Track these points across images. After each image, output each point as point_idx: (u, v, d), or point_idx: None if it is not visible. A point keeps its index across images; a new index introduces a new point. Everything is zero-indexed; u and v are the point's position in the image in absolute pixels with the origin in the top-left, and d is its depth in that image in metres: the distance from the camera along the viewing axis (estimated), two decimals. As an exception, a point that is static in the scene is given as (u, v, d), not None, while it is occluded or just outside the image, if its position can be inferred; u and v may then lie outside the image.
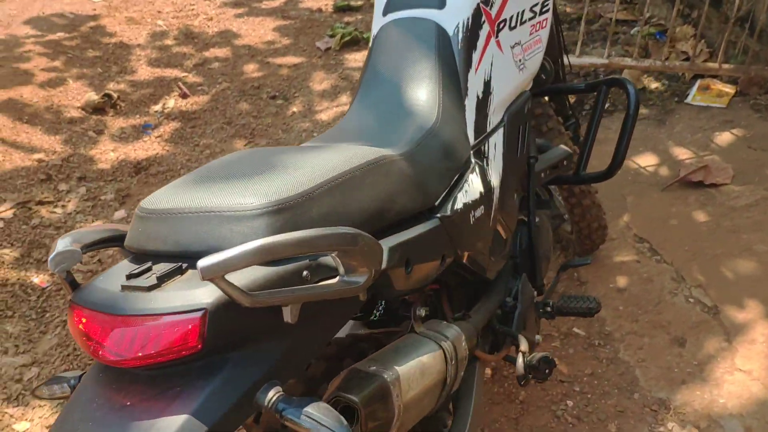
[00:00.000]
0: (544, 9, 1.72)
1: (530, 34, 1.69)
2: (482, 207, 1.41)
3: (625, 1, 4.59)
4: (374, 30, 1.60)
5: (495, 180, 1.50)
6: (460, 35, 1.51)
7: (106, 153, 3.66)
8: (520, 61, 1.65)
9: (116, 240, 0.99)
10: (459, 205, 1.31)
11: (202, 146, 3.71)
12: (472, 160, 1.45)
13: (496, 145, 1.54)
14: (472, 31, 1.52)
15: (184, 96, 4.20)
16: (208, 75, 4.46)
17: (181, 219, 0.89)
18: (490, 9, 1.57)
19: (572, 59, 3.33)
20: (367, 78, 1.51)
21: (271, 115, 3.94)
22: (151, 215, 0.91)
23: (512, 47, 1.63)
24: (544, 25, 1.73)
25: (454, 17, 1.52)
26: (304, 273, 0.89)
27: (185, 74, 4.48)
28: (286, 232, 0.89)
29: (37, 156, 3.55)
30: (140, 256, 0.92)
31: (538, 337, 1.74)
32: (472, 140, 1.47)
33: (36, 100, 4.04)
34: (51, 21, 5.24)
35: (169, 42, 4.94)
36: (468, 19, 1.52)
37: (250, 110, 4.00)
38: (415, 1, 1.57)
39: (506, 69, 1.60)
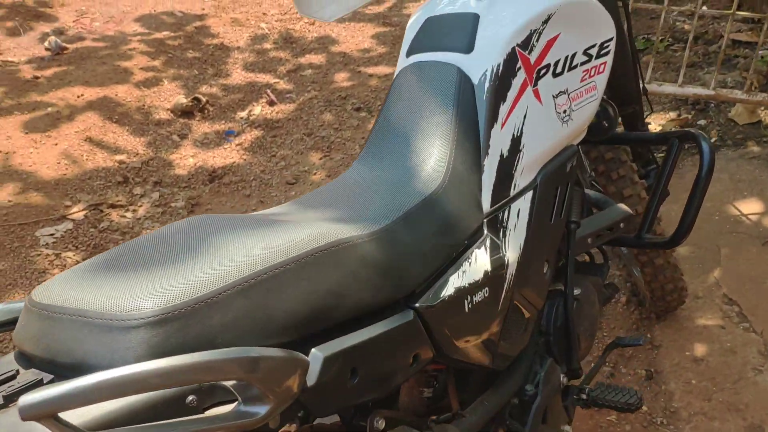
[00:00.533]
0: (603, 51, 1.49)
1: (581, 80, 1.47)
2: (486, 289, 1.22)
3: (750, 21, 4.16)
4: (396, 72, 1.43)
5: (512, 254, 1.30)
6: (487, 84, 1.32)
7: (186, 158, 3.66)
8: (564, 112, 1.43)
9: (14, 324, 0.88)
10: (449, 290, 1.13)
11: (278, 157, 3.64)
12: (484, 232, 1.26)
13: (520, 212, 1.34)
14: (503, 79, 1.32)
15: (271, 103, 4.16)
16: (299, 82, 4.40)
17: (57, 320, 0.76)
18: (529, 53, 1.36)
19: (673, 89, 3.01)
20: (377, 128, 1.35)
21: (352, 128, 3.82)
22: (33, 308, 0.80)
23: (555, 97, 1.41)
24: (601, 69, 1.50)
25: (482, 63, 1.33)
26: (189, 398, 0.75)
27: (277, 80, 4.44)
28: (168, 348, 0.74)
29: (119, 157, 3.60)
30: (20, 355, 0.81)
31: (567, 428, 1.52)
32: (486, 207, 1.28)
33: (129, 100, 4.11)
34: (160, 19, 5.36)
35: (267, 46, 4.93)
36: (499, 65, 1.32)
37: (332, 121, 3.91)
38: (440, 42, 1.40)
39: (544, 122, 1.39)
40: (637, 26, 4.28)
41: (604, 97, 1.68)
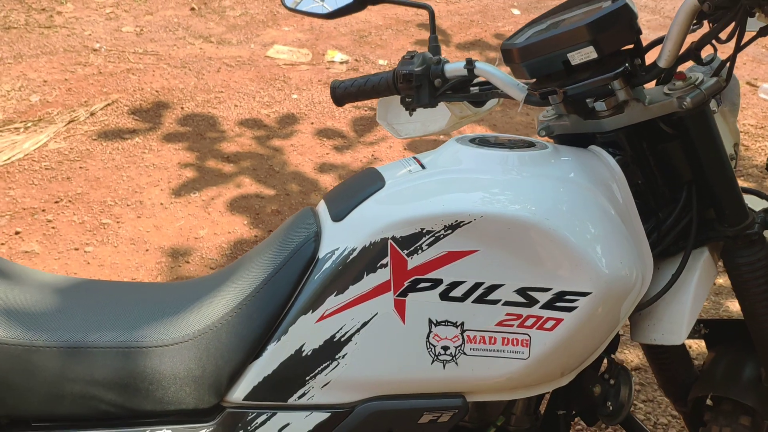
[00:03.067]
0: (560, 304, 1.05)
1: (500, 324, 1.06)
2: None
3: None
4: None
5: None
6: (329, 264, 1.07)
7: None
8: (445, 349, 1.06)
9: None
10: None
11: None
12: (212, 422, 1.06)
13: (288, 428, 1.07)
14: (352, 268, 1.06)
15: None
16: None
17: None
18: (409, 255, 1.04)
19: None
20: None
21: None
22: None
23: (434, 323, 1.05)
24: (548, 326, 1.05)
25: (339, 239, 1.09)
26: None
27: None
28: None
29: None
30: None
31: None
32: (235, 398, 1.08)
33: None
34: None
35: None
36: (354, 250, 1.06)
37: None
38: (337, 195, 1.19)
39: (398, 346, 1.06)
40: None
41: (623, 366, 1.18)
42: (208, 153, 3.66)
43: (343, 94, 1.33)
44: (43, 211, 3.14)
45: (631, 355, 2.55)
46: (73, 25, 5.02)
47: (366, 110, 4.09)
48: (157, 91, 4.18)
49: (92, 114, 3.89)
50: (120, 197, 3.28)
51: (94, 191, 3.30)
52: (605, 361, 1.24)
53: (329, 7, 1.30)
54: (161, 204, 3.26)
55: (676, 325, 1.19)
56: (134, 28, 5.04)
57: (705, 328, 1.44)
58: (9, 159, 3.46)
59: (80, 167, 3.46)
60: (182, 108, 4.04)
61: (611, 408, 1.19)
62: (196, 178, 3.45)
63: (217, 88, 4.28)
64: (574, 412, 1.28)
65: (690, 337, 1.44)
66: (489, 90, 1.24)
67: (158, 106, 4.04)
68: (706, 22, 1.10)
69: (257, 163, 3.59)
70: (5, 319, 1.04)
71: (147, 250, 2.98)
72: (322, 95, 4.24)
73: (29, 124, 3.75)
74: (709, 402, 1.42)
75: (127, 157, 3.57)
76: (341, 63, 4.69)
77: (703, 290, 1.21)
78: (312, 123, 3.98)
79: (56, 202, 3.21)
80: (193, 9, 5.38)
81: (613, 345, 1.23)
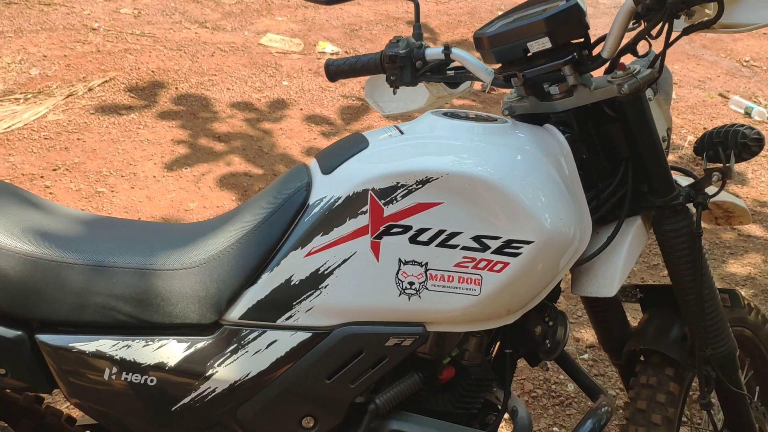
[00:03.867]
0: (508, 250, 1.24)
1: (457, 265, 1.25)
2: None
3: None
4: None
5: (230, 375, 1.26)
6: (316, 209, 1.27)
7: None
8: (411, 284, 1.26)
9: None
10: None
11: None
12: (212, 336, 1.26)
13: (275, 344, 1.27)
14: (337, 213, 1.25)
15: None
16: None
17: None
18: (386, 204, 1.24)
19: None
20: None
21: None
22: None
23: (403, 262, 1.25)
24: (497, 268, 1.25)
25: (327, 189, 1.28)
26: None
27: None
28: None
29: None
30: None
31: None
32: (232, 316, 1.27)
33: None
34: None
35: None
36: (339, 198, 1.25)
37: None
38: (328, 154, 1.37)
39: (371, 280, 1.26)
40: None
41: (561, 311, 1.38)
42: (200, 131, 3.83)
43: (336, 70, 1.52)
44: (42, 177, 3.31)
45: (587, 335, 2.77)
46: (72, 3, 5.17)
47: (353, 100, 4.29)
48: (153, 71, 4.34)
49: (90, 89, 4.05)
50: (115, 168, 3.45)
51: (91, 161, 3.47)
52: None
53: None
54: (154, 177, 3.43)
55: (608, 280, 1.39)
56: (132, 10, 5.20)
57: (640, 293, 1.65)
58: (9, 127, 3.62)
59: (78, 139, 3.63)
60: (177, 88, 4.20)
61: (549, 345, 1.39)
62: (188, 155, 3.63)
63: (211, 71, 4.45)
64: (519, 353, 1.48)
65: (627, 301, 1.65)
66: (462, 73, 1.44)
67: (154, 85, 4.21)
68: (643, 22, 1.30)
69: (247, 144, 3.78)
70: (40, 239, 1.24)
71: (139, 219, 3.15)
72: (312, 83, 4.43)
73: (29, 96, 3.91)
74: (642, 358, 1.63)
75: (123, 132, 3.74)
76: (332, 54, 4.88)
77: (634, 252, 1.41)
78: (301, 109, 4.17)
79: (54, 169, 3.38)
80: (189, -5, 5.55)
81: (554, 295, 1.44)
